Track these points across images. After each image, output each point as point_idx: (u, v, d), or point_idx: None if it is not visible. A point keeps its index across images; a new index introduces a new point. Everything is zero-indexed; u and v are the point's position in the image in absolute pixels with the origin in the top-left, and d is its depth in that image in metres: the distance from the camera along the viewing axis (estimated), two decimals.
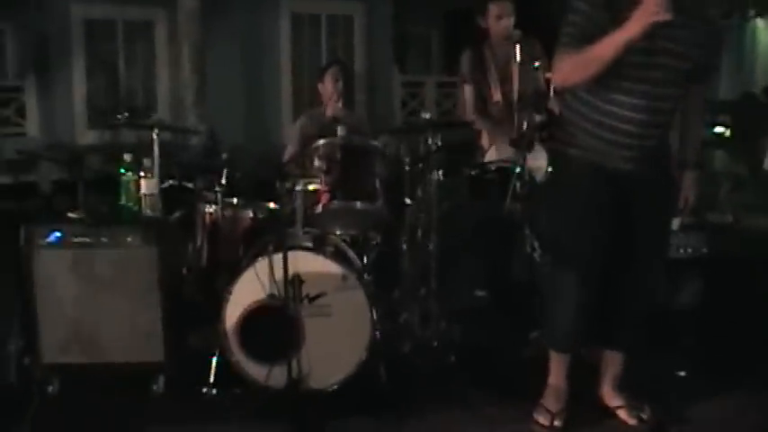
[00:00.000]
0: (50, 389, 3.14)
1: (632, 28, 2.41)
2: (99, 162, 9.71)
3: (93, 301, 3.11)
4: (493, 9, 3.92)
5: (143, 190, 3.20)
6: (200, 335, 3.32)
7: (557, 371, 2.94)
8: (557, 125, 2.86)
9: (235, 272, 3.12)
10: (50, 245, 3.10)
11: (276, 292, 3.09)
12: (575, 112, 2.74)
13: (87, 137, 9.80)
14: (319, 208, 3.25)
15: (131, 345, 3.14)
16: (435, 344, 3.41)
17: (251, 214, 3.58)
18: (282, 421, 2.86)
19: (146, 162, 3.23)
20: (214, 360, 3.15)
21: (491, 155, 3.90)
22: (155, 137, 3.44)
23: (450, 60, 13.80)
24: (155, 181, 3.20)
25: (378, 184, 3.31)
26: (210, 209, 3.47)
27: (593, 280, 2.75)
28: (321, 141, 3.33)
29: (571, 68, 2.60)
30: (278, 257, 3.04)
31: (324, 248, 3.18)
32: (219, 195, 3.44)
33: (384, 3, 11.49)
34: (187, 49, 8.75)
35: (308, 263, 3.07)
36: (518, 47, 3.49)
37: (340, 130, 3.31)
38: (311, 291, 3.08)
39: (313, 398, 3.03)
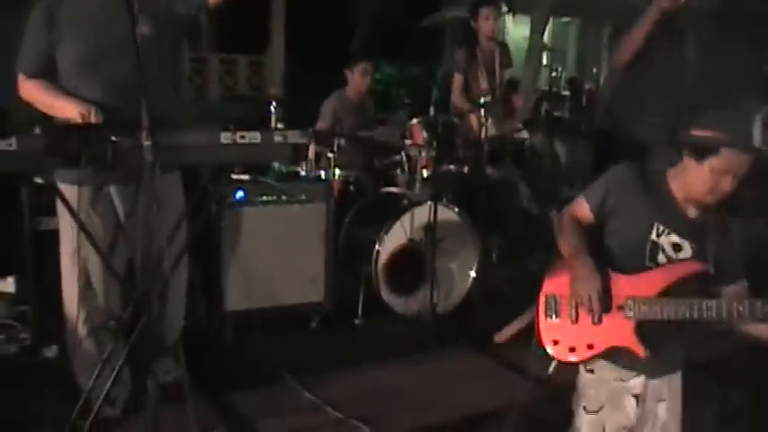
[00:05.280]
0: (228, 332, 3.53)
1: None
2: None
3: (269, 253, 3.57)
4: (483, 11, 4.97)
5: (309, 154, 3.70)
6: (351, 275, 3.90)
7: None
8: None
9: (382, 223, 3.84)
10: (235, 203, 3.48)
11: (415, 238, 3.90)
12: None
13: None
14: (425, 173, 4.09)
15: (298, 288, 3.67)
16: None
17: (338, 177, 4.25)
18: (423, 342, 3.62)
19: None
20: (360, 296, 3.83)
21: (491, 130, 4.94)
22: (273, 110, 3.88)
23: (225, 39, 14.05)
24: (313, 147, 3.71)
25: (463, 152, 4.24)
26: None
27: None
28: (415, 120, 4.16)
29: (627, 47, 3.70)
30: (418, 210, 3.86)
31: (443, 202, 4.02)
32: (333, 161, 4.06)
33: None
34: None
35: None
36: (544, 54, 4.65)
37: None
38: (438, 235, 3.91)
39: (442, 320, 3.88)
